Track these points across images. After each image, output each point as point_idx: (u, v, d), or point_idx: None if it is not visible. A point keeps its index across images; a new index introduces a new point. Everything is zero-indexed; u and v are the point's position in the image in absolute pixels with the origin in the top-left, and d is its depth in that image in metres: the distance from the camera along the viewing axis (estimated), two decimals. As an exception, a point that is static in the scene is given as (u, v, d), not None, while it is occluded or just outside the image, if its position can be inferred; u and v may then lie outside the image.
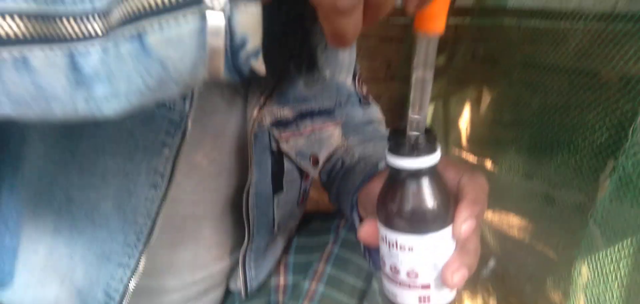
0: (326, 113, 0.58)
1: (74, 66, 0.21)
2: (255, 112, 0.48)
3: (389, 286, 0.33)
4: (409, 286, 0.31)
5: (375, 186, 0.38)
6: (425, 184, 0.31)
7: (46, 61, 0.21)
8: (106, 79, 0.22)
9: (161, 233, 0.45)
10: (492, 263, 1.39)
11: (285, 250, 0.64)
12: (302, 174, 0.58)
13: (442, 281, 0.31)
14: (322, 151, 0.59)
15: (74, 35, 0.21)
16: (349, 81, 0.63)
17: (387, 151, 0.32)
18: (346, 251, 0.59)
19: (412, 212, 0.30)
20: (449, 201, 0.32)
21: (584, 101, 1.34)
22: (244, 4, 0.20)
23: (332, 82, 0.58)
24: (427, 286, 0.31)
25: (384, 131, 0.68)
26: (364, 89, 0.67)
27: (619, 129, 1.09)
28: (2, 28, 0.20)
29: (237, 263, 0.58)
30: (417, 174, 0.31)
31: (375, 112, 0.69)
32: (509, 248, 1.50)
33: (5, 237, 0.47)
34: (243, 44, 0.21)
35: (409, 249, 0.31)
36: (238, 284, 0.59)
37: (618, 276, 0.99)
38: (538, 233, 1.45)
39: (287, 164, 0.54)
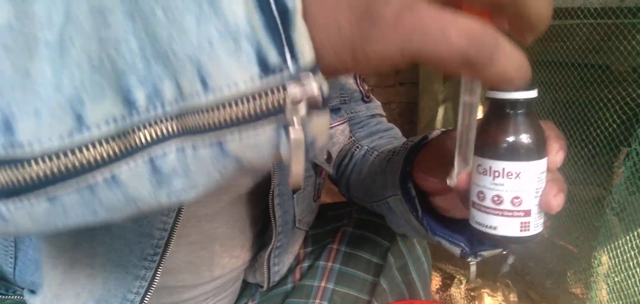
0: (333, 111, 0.61)
1: (154, 169, 0.23)
2: None
3: (489, 220, 0.35)
4: (512, 213, 0.34)
5: (437, 147, 0.40)
6: (532, 115, 0.34)
7: (131, 173, 0.22)
8: (184, 174, 0.23)
9: (178, 232, 0.47)
10: (511, 259, 1.38)
11: (303, 241, 0.66)
12: (317, 171, 0.60)
13: (543, 205, 0.34)
14: (333, 147, 0.61)
15: (150, 140, 0.22)
16: (351, 80, 0.66)
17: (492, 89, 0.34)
18: (360, 230, 0.61)
19: (521, 140, 0.33)
20: (544, 134, 0.35)
21: (595, 94, 1.35)
22: (316, 113, 0.22)
23: (336, 82, 0.61)
24: (528, 213, 0.34)
25: (386, 122, 0.71)
26: (365, 86, 0.70)
27: (631, 118, 1.09)
28: (93, 155, 0.22)
29: (255, 258, 0.60)
30: (527, 105, 0.34)
31: (377, 106, 0.72)
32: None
33: (29, 249, 0.49)
34: (312, 143, 0.23)
35: (516, 175, 0.33)
36: (258, 278, 0.61)
37: (639, 261, 0.99)
38: (557, 227, 1.44)
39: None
